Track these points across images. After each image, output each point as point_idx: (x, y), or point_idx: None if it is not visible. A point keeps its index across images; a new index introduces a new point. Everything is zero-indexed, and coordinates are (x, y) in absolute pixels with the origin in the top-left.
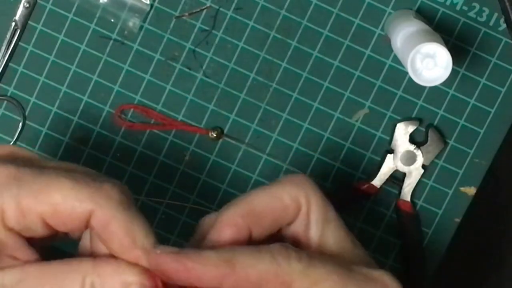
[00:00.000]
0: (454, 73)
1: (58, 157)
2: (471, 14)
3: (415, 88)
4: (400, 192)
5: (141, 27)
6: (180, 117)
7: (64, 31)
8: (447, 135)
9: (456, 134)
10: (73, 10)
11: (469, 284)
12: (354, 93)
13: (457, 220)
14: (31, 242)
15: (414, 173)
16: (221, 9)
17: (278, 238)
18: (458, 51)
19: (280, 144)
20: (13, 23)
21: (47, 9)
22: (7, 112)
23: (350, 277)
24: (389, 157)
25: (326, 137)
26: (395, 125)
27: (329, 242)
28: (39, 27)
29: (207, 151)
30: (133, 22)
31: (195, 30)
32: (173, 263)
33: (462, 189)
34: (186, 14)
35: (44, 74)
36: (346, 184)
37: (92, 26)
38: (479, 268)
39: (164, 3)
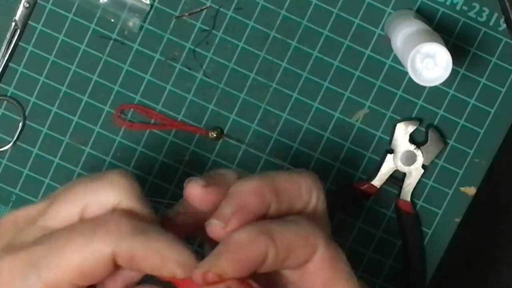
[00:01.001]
0: (454, 73)
1: (58, 157)
2: (471, 14)
3: (415, 88)
4: (400, 192)
5: (141, 27)
6: (180, 117)
7: (64, 31)
8: (447, 135)
9: (456, 134)
10: (73, 10)
11: (469, 284)
12: (354, 93)
13: (457, 220)
14: None
15: (414, 173)
16: (221, 9)
17: None
18: (458, 51)
19: (280, 144)
20: (13, 23)
21: (47, 9)
22: (7, 112)
23: None
24: (389, 157)
25: (326, 137)
26: (395, 125)
27: None
28: (39, 27)
29: (207, 151)
30: (133, 22)
31: (195, 30)
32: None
33: (462, 189)
34: (186, 14)
35: (44, 74)
36: (346, 184)
37: (92, 26)
38: (479, 268)
39: (164, 3)
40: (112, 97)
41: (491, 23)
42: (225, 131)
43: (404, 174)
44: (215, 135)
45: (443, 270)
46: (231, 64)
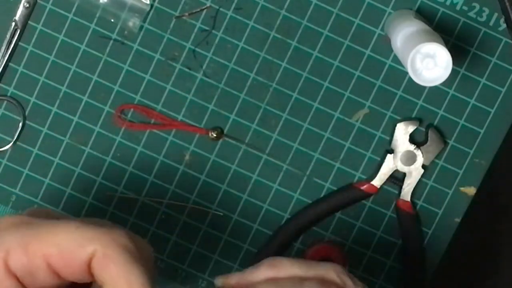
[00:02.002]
0: (454, 73)
1: (58, 157)
2: (471, 14)
3: (415, 88)
4: (400, 192)
5: (141, 27)
6: (180, 117)
7: (64, 31)
8: (447, 135)
9: (456, 134)
10: (73, 10)
11: (468, 284)
12: (354, 93)
13: (457, 220)
14: None
15: (414, 173)
16: (221, 9)
17: None
18: (458, 51)
19: (280, 144)
20: (13, 23)
21: (47, 9)
22: (7, 112)
23: None
24: (389, 157)
25: (326, 137)
26: (395, 125)
27: None
28: (39, 27)
29: (207, 151)
30: (133, 22)
31: (195, 30)
32: None
33: (462, 189)
34: (186, 14)
35: (44, 74)
36: (346, 184)
37: (92, 26)
38: (479, 268)
39: (164, 3)
40: (112, 97)
41: (491, 23)
42: (225, 131)
43: (404, 174)
44: (215, 135)
45: (443, 270)
46: (231, 64)
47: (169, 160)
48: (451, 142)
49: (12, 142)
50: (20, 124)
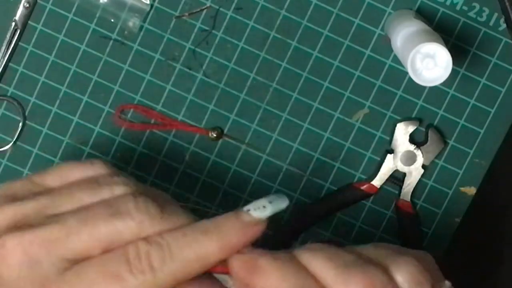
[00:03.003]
0: (454, 73)
1: (58, 157)
2: (471, 14)
3: (415, 88)
4: (400, 192)
5: (141, 27)
6: (180, 117)
7: (64, 31)
8: (447, 135)
9: (456, 134)
10: (73, 10)
11: (468, 283)
12: (354, 93)
13: (457, 220)
14: None
15: (414, 173)
16: (221, 9)
17: None
18: (458, 51)
19: (280, 144)
20: (13, 23)
21: (47, 9)
22: (7, 112)
23: None
24: (389, 157)
25: (326, 137)
26: (395, 125)
27: None
28: (39, 27)
29: (207, 151)
30: (133, 22)
31: (195, 30)
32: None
33: (462, 189)
34: (186, 14)
35: (44, 74)
36: (346, 184)
37: (92, 26)
38: (479, 268)
39: (164, 3)
40: (112, 97)
41: (491, 23)
42: (225, 131)
43: (404, 174)
44: (215, 135)
45: (443, 270)
46: (231, 64)
47: (169, 160)
48: (451, 142)
49: (12, 142)
50: (20, 124)
